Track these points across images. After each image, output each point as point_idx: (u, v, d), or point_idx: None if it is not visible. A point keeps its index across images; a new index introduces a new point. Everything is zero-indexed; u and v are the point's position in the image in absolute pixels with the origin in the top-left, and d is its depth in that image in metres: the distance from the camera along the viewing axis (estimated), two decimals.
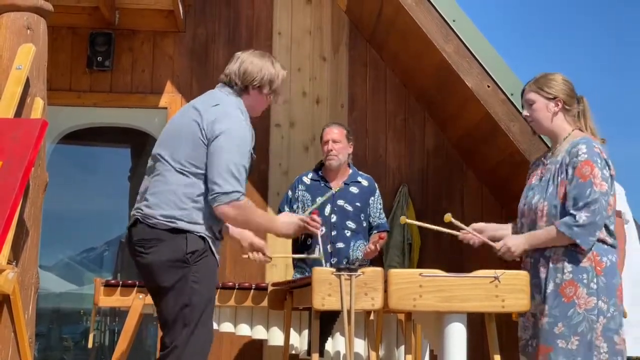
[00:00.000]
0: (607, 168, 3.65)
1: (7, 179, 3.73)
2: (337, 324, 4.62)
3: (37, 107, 4.19)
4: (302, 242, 5.04)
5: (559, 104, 3.80)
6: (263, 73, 3.75)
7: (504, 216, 6.61)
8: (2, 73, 4.15)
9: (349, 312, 3.58)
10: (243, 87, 3.75)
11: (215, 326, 4.54)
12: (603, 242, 3.64)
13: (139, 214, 3.57)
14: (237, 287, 4.64)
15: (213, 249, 3.54)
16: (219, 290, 4.52)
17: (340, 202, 5.07)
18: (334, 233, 5.01)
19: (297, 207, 5.13)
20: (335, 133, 5.16)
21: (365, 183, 5.22)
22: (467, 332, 3.65)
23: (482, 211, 6.67)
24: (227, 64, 3.93)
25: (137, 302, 4.56)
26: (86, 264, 8.65)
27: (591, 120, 3.85)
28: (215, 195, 3.46)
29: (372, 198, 5.19)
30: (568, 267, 3.61)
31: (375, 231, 5.15)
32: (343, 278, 3.59)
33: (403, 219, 4.10)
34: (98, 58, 6.56)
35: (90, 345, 4.79)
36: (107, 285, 4.65)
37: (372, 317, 4.21)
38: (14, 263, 3.95)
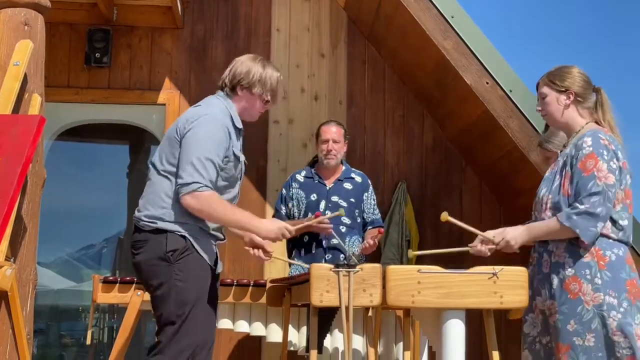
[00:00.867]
0: (615, 160, 3.58)
1: (5, 175, 3.73)
2: (336, 320, 4.62)
3: (35, 104, 4.19)
4: (297, 240, 5.04)
5: (571, 96, 3.73)
6: (252, 73, 3.77)
7: (502, 213, 6.62)
8: (0, 69, 4.15)
9: (347, 308, 3.58)
10: (231, 88, 3.79)
11: None
12: (607, 236, 3.58)
13: (134, 217, 3.69)
14: (235, 283, 4.64)
15: (197, 247, 3.56)
16: (219, 287, 4.52)
17: (335, 199, 5.07)
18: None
19: (292, 205, 5.13)
20: (335, 133, 5.16)
21: (358, 179, 5.23)
22: (465, 329, 3.65)
23: (480, 208, 6.68)
24: (225, 61, 3.95)
25: (136, 299, 4.55)
26: (85, 261, 8.63)
27: (610, 112, 3.77)
28: (177, 187, 3.52)
29: (366, 194, 5.20)
30: (570, 262, 3.56)
31: (370, 227, 5.16)
32: (341, 274, 3.59)
33: (444, 216, 3.86)
34: (96, 54, 6.55)
35: (88, 342, 4.80)
36: (106, 282, 4.65)
37: (370, 313, 4.20)
38: (12, 259, 3.95)
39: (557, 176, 3.71)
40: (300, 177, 5.20)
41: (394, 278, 3.54)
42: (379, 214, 5.28)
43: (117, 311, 7.58)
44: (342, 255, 4.97)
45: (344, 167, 5.23)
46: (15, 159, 3.79)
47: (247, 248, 4.02)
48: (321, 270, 3.63)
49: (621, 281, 3.54)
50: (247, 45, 6.75)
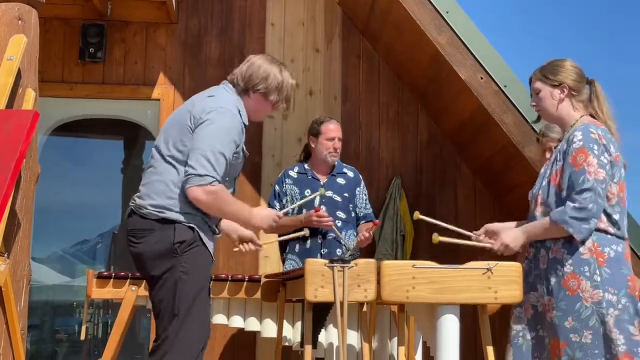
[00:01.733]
0: (606, 154, 3.56)
1: None
2: (330, 315, 4.62)
3: (29, 98, 4.17)
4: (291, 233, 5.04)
5: (565, 90, 3.71)
6: (270, 79, 3.74)
7: (497, 208, 6.63)
8: None
9: (341, 303, 3.58)
10: (244, 88, 3.75)
11: None
12: (605, 232, 3.56)
13: (133, 204, 3.62)
14: (230, 279, 4.64)
15: (204, 241, 3.54)
16: (212, 282, 4.51)
17: (329, 193, 5.07)
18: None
19: (286, 200, 5.13)
20: (338, 130, 5.16)
21: (350, 174, 5.24)
22: (460, 324, 3.66)
23: (475, 203, 6.68)
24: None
25: (130, 294, 4.55)
26: (79, 256, 8.63)
27: (605, 104, 3.74)
28: (188, 176, 3.47)
29: (358, 189, 5.21)
30: (568, 259, 3.54)
31: (363, 221, 5.17)
32: (336, 270, 3.59)
33: (436, 238, 3.86)
34: (90, 49, 6.53)
35: (82, 337, 4.79)
36: (100, 277, 4.64)
37: (365, 308, 4.21)
38: (5, 255, 3.94)
39: (549, 172, 3.71)
40: (293, 173, 5.20)
41: (389, 273, 3.55)
42: (371, 209, 5.28)
43: (111, 306, 7.58)
44: (338, 250, 4.97)
45: (336, 163, 5.23)
46: (9, 154, 3.78)
47: (235, 249, 4.02)
48: (316, 265, 3.63)
49: (622, 277, 3.53)
50: (241, 40, 6.75)
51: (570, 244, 3.56)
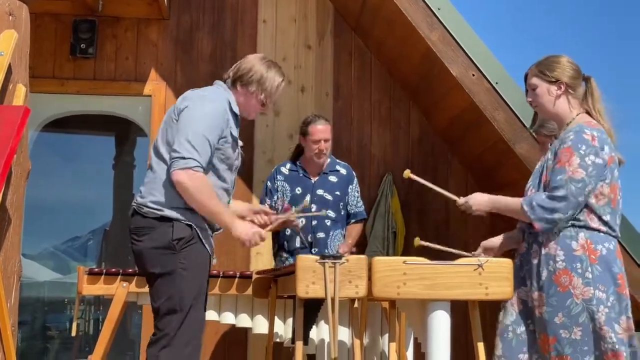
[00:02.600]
0: (592, 155, 3.56)
1: None
2: (322, 312, 4.62)
3: (19, 94, 4.16)
4: (281, 234, 5.07)
5: (562, 87, 3.72)
6: (253, 71, 3.80)
7: None
8: None
9: (333, 300, 3.58)
10: (232, 81, 3.83)
11: None
12: (597, 230, 3.58)
13: (135, 204, 3.67)
14: (221, 275, 4.64)
15: (202, 238, 3.57)
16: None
17: (320, 192, 5.07)
18: (314, 222, 5.02)
19: (277, 197, 5.13)
20: (325, 131, 5.13)
21: (343, 172, 5.23)
22: (450, 320, 3.66)
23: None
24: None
25: (121, 291, 4.54)
26: (70, 253, 8.61)
27: (599, 102, 3.75)
28: (172, 159, 3.51)
29: (351, 186, 5.21)
30: (560, 254, 3.56)
31: (353, 220, 5.18)
32: (327, 266, 3.59)
33: (407, 173, 4.15)
34: (81, 45, 6.52)
35: (74, 333, 4.78)
36: (91, 273, 4.63)
37: (356, 304, 4.21)
38: None
39: (542, 169, 3.72)
40: (285, 170, 5.20)
41: (380, 269, 3.55)
42: (362, 206, 5.28)
43: (102, 303, 7.57)
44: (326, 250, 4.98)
45: (329, 160, 5.22)
46: (0, 150, 3.76)
47: (248, 218, 4.00)
48: (307, 261, 3.63)
49: (612, 275, 3.54)
50: (233, 36, 6.74)
51: (564, 240, 3.58)
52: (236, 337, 6.20)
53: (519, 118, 5.52)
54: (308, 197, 4.95)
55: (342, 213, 5.15)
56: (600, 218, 3.59)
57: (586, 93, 3.77)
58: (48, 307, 8.47)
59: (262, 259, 6.29)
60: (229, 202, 3.84)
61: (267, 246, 5.58)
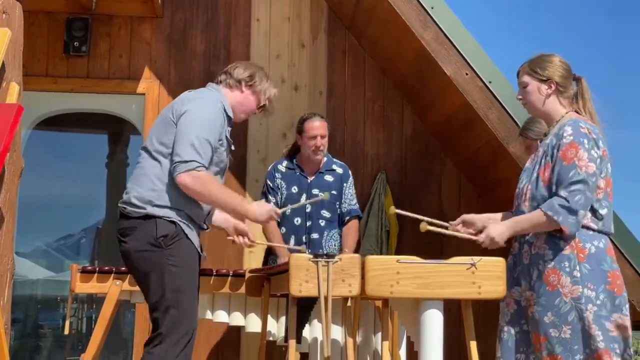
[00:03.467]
0: (595, 148, 3.56)
1: None
2: (315, 310, 4.62)
3: (13, 92, 4.16)
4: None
5: (552, 86, 3.71)
6: (243, 70, 3.86)
7: (481, 204, 6.65)
8: None
9: (326, 298, 3.58)
10: (224, 80, 3.87)
11: None
12: (587, 227, 3.57)
13: (120, 204, 3.67)
14: (214, 273, 4.63)
15: (187, 234, 3.57)
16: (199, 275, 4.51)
17: (316, 192, 5.07)
18: (309, 223, 5.02)
19: (280, 194, 5.13)
20: (322, 128, 5.14)
21: (339, 170, 5.23)
22: (443, 319, 3.67)
23: (459, 199, 6.70)
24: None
25: (114, 289, 4.54)
26: (63, 251, 8.59)
27: (590, 102, 3.75)
28: (174, 164, 3.53)
29: (345, 184, 5.20)
30: (549, 254, 3.56)
31: (347, 217, 5.17)
32: (320, 264, 3.59)
33: (424, 227, 3.86)
34: (75, 43, 6.51)
35: (66, 332, 4.77)
36: (84, 271, 4.62)
37: (349, 303, 4.21)
38: None
39: (537, 166, 3.71)
40: (282, 168, 5.19)
41: (373, 268, 3.55)
42: (357, 204, 5.28)
43: (95, 301, 7.56)
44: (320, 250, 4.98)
45: (325, 159, 5.22)
46: None
47: (230, 238, 4.06)
48: (300, 260, 3.63)
49: (602, 273, 3.54)
50: (227, 35, 6.73)
51: (553, 239, 3.58)
52: (229, 336, 6.20)
53: (512, 117, 5.53)
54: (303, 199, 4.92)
55: (338, 212, 5.15)
56: (595, 212, 3.59)
57: (577, 93, 3.77)
58: (41, 305, 8.45)
59: (255, 257, 6.28)
60: None
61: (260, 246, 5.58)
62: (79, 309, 8.05)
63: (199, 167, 3.52)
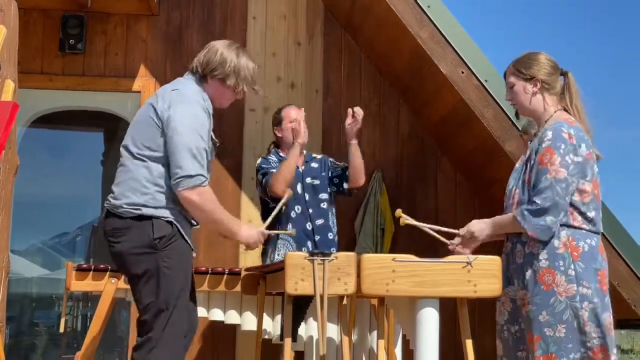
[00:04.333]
0: (573, 153, 3.57)
1: None
2: (310, 308, 4.62)
3: (8, 89, 4.15)
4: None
5: (537, 84, 3.72)
6: (227, 64, 3.70)
7: (477, 203, 6.65)
8: None
9: (321, 297, 3.58)
10: (202, 75, 3.73)
11: None
12: (579, 228, 3.59)
13: (108, 205, 3.60)
14: (210, 272, 4.63)
15: (183, 233, 3.53)
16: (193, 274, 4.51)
17: (309, 180, 5.05)
18: (311, 211, 4.99)
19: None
20: (300, 114, 5.14)
21: (319, 156, 5.25)
22: (439, 317, 3.67)
23: (455, 198, 6.70)
24: (201, 49, 3.92)
25: (110, 287, 4.53)
26: (59, 249, 8.59)
27: (577, 97, 3.75)
28: (179, 179, 3.45)
29: (328, 162, 5.18)
30: (544, 253, 3.57)
31: (339, 169, 5.13)
32: (316, 263, 3.59)
33: (403, 221, 3.97)
34: (70, 41, 6.49)
35: (61, 329, 4.77)
36: (79, 269, 4.62)
37: (345, 301, 4.21)
38: None
39: (523, 168, 3.74)
40: (275, 157, 5.16)
41: (369, 267, 3.55)
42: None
43: (90, 299, 7.55)
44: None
45: (304, 152, 5.18)
46: None
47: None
48: (296, 258, 3.63)
49: (593, 271, 3.56)
50: (223, 33, 6.72)
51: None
52: (225, 334, 6.20)
53: (508, 116, 5.54)
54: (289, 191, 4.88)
55: (335, 178, 5.13)
56: (584, 216, 3.60)
57: (564, 89, 3.77)
58: (36, 303, 8.46)
59: (251, 256, 6.27)
60: None
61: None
62: (74, 307, 8.06)
63: (204, 182, 3.47)
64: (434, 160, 6.77)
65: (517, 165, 3.85)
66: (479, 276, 3.59)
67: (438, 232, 3.98)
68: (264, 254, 5.08)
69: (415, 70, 6.19)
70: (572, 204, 3.59)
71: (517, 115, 4.00)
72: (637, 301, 5.61)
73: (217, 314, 4.69)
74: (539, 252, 3.59)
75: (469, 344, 3.70)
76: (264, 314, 4.58)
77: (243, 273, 4.56)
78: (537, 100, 3.75)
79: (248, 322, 4.69)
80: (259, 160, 5.22)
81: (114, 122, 7.08)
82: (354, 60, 6.81)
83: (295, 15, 6.83)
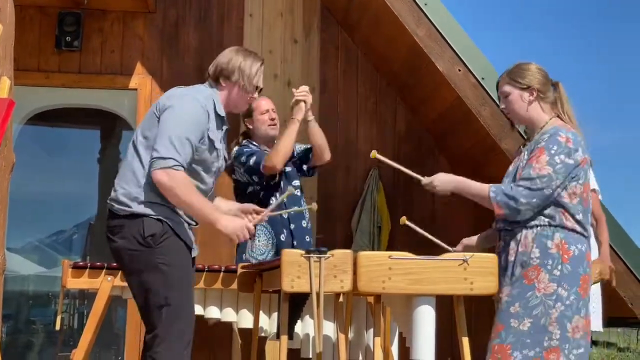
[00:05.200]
0: (565, 155, 3.65)
1: None
2: (307, 306, 4.62)
3: (4, 87, 4.13)
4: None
5: (534, 93, 3.82)
6: (231, 62, 3.77)
7: (474, 201, 6.64)
8: None
9: (318, 294, 3.58)
10: (214, 79, 3.79)
11: None
12: (573, 230, 3.66)
13: (108, 201, 3.63)
14: (206, 269, 4.63)
15: (176, 231, 3.54)
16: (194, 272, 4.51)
17: (288, 169, 5.05)
18: (285, 200, 4.96)
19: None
20: (271, 103, 5.16)
21: None
22: (435, 315, 3.67)
23: (452, 196, 6.67)
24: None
25: (106, 284, 4.53)
26: (55, 247, 8.58)
27: (568, 106, 3.86)
28: (152, 160, 3.48)
29: (296, 148, 5.16)
30: (536, 252, 3.64)
31: (303, 152, 5.14)
32: (312, 260, 3.59)
33: (374, 154, 4.21)
34: (67, 38, 6.49)
35: (58, 327, 4.76)
36: (75, 267, 4.61)
37: (341, 299, 4.21)
38: None
39: (516, 169, 3.80)
40: (252, 146, 5.15)
41: (365, 264, 3.55)
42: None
43: (87, 297, 7.55)
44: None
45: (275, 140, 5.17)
46: None
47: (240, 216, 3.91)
48: (292, 256, 3.62)
49: (577, 276, 3.64)
50: (219, 30, 6.72)
51: (540, 239, 3.66)
52: (221, 332, 6.19)
53: (505, 114, 5.53)
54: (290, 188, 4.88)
55: (299, 158, 5.12)
56: (573, 217, 3.68)
57: (556, 98, 3.87)
58: (32, 301, 8.44)
59: None
60: None
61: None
62: (71, 304, 8.04)
63: (176, 165, 3.45)
64: (431, 158, 6.77)
65: (510, 169, 3.92)
66: (476, 274, 3.59)
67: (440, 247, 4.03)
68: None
69: (412, 67, 6.18)
70: (563, 206, 3.68)
71: (512, 125, 4.09)
72: (634, 299, 5.62)
73: (213, 312, 4.69)
74: (532, 250, 3.66)
75: (465, 341, 3.71)
76: (261, 312, 4.58)
77: (239, 271, 4.55)
78: (533, 108, 3.85)
79: (244, 319, 4.68)
80: (236, 149, 5.18)
81: (111, 119, 7.08)
82: (351, 57, 6.81)
83: (291, 13, 6.82)
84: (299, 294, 3.77)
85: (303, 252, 3.63)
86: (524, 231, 3.70)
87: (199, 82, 3.90)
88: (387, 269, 3.55)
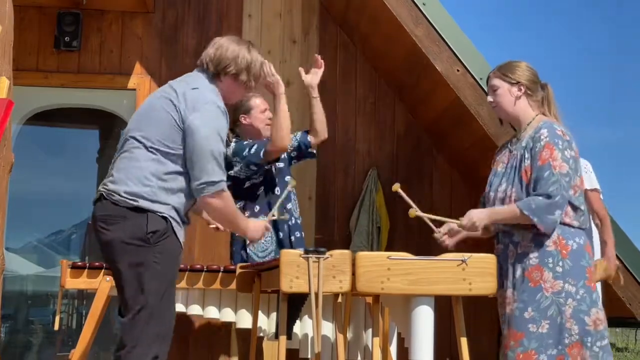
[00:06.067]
0: (569, 149, 3.70)
1: None
2: (305, 306, 4.62)
3: (3, 87, 4.14)
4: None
5: (522, 89, 3.86)
6: (239, 60, 3.71)
7: (472, 201, 6.63)
8: None
9: (316, 294, 3.58)
10: (215, 72, 3.71)
11: (183, 309, 4.54)
12: (569, 225, 3.68)
13: (104, 189, 3.53)
14: (205, 269, 4.62)
15: (175, 231, 3.51)
16: (187, 272, 4.51)
17: (280, 165, 5.04)
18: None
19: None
20: (266, 102, 5.15)
21: None
22: (434, 315, 3.67)
23: (451, 195, 6.71)
24: (196, 46, 3.93)
25: (104, 284, 4.53)
26: (54, 247, 8.58)
27: (555, 107, 3.91)
28: (202, 184, 3.47)
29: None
30: (535, 252, 3.67)
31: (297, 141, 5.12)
32: (311, 260, 3.59)
33: (412, 213, 4.08)
34: (66, 38, 6.49)
35: (56, 327, 4.76)
36: (74, 267, 4.61)
37: (340, 299, 4.21)
38: None
39: (516, 170, 3.81)
40: (245, 141, 5.13)
41: (364, 264, 3.55)
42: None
43: (85, 297, 7.55)
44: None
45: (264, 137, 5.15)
46: None
47: (212, 226, 4.25)
48: (291, 256, 3.62)
49: (581, 269, 3.65)
50: (218, 30, 6.72)
51: (539, 237, 3.67)
52: (220, 332, 6.20)
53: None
54: (291, 184, 4.86)
55: (295, 149, 5.13)
56: (576, 209, 3.70)
57: (543, 99, 3.92)
58: (31, 301, 8.45)
59: None
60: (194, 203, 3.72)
61: None
62: (69, 304, 8.05)
63: (225, 186, 3.53)
64: (430, 158, 6.77)
65: (498, 168, 3.92)
66: (474, 274, 3.59)
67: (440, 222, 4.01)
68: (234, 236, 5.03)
69: (410, 67, 6.19)
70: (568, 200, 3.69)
71: (501, 122, 4.12)
72: (632, 299, 5.63)
73: (212, 312, 4.68)
74: (531, 250, 3.68)
75: (463, 341, 3.71)
76: (259, 312, 4.58)
77: (238, 271, 4.55)
78: (520, 103, 3.89)
79: (243, 319, 4.68)
80: (233, 145, 5.12)
81: (110, 119, 7.08)
82: (350, 57, 6.81)
83: (290, 13, 6.83)
84: (297, 294, 3.77)
85: (302, 252, 3.63)
86: (522, 232, 3.71)
87: None
88: (385, 270, 3.55)
